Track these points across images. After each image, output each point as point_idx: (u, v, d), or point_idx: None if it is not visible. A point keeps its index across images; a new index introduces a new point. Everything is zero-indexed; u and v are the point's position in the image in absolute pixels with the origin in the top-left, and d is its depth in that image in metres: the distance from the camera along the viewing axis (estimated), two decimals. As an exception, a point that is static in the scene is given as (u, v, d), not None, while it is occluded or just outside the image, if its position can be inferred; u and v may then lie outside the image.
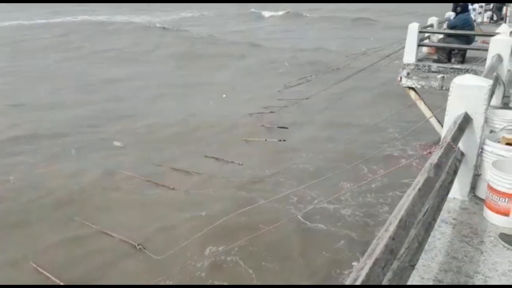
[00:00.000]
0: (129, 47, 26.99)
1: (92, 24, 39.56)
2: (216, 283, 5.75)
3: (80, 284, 5.72)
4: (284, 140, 10.51)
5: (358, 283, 1.26)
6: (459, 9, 9.30)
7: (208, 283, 5.71)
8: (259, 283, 5.73)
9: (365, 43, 23.02)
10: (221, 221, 4.89)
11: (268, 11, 54.30)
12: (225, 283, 5.76)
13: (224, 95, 15.75)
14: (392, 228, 1.54)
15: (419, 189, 1.87)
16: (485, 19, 17.34)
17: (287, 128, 11.70)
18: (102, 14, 55.42)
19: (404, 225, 1.60)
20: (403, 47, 9.25)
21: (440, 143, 2.49)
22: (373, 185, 9.11)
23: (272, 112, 12.62)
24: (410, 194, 1.81)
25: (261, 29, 38.34)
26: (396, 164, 3.36)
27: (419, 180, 1.97)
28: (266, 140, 10.66)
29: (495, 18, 17.79)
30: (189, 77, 18.36)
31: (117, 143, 10.90)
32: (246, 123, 12.29)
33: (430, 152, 2.41)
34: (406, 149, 10.70)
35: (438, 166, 2.15)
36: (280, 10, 54.06)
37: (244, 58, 22.42)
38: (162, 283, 5.52)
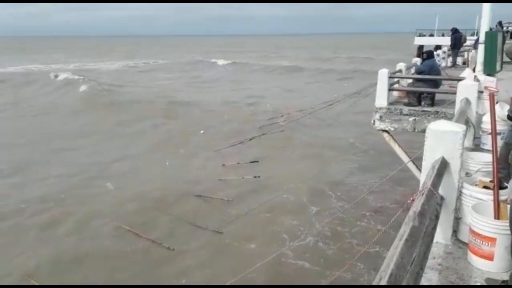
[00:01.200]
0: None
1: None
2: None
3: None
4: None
5: None
6: (425, 55, 9.76)
7: None
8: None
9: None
10: None
11: (222, 60, 55.93)
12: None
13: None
14: (383, 282, 1.48)
15: (406, 240, 1.84)
16: (449, 64, 18.25)
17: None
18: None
19: (395, 279, 1.55)
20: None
21: (421, 189, 2.50)
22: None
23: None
24: (397, 246, 1.77)
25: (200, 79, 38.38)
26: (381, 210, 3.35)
27: (405, 230, 1.94)
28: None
29: (459, 62, 18.76)
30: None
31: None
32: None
33: (413, 200, 2.40)
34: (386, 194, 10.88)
35: (422, 214, 2.14)
36: (229, 59, 56.03)
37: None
38: None
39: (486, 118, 5.41)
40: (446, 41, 22.99)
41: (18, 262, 7.99)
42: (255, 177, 12.01)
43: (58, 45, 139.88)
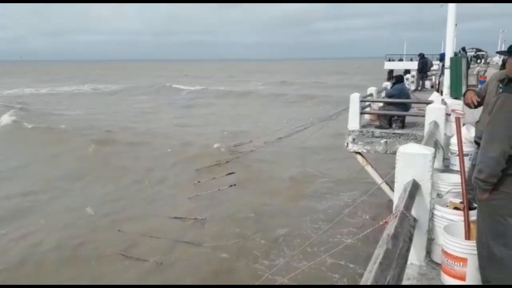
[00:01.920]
0: None
1: None
2: None
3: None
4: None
5: None
6: (394, 80, 10.08)
7: None
8: None
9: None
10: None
11: (186, 86, 54.63)
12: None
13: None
14: (358, 309, 1.48)
15: (380, 263, 1.85)
16: (418, 87, 18.89)
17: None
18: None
19: (370, 305, 1.55)
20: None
21: (394, 212, 2.54)
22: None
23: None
24: (371, 270, 1.78)
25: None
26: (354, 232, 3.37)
27: (379, 253, 1.96)
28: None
29: (427, 86, 19.46)
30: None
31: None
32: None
33: (386, 222, 2.43)
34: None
35: (395, 237, 2.17)
36: (197, 85, 55.08)
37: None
38: None
39: (454, 140, 5.58)
40: (414, 65, 23.86)
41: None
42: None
43: (19, 69, 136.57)
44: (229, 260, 8.80)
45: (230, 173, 13.54)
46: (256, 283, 7.02)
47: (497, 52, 5.15)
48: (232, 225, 10.38)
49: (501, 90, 2.63)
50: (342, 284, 7.66)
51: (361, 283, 1.70)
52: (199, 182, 13.31)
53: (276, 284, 6.82)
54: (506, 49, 2.96)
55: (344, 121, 9.96)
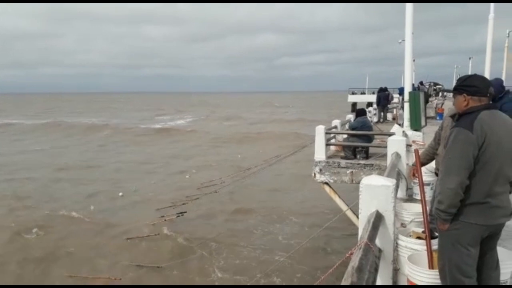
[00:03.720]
0: None
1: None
2: None
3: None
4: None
5: None
6: (356, 113, 10.40)
7: None
8: None
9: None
10: None
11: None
12: None
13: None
14: None
15: (345, 297, 1.85)
16: (381, 120, 19.55)
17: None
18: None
19: None
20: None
21: (358, 244, 2.56)
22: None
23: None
24: (337, 304, 1.77)
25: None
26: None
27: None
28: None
29: (389, 118, 20.17)
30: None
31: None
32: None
33: (351, 253, 2.45)
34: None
35: (359, 269, 2.18)
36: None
37: None
38: None
39: (416, 170, 5.77)
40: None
41: None
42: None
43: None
44: None
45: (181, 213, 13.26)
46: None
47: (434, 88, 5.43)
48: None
49: (453, 125, 2.77)
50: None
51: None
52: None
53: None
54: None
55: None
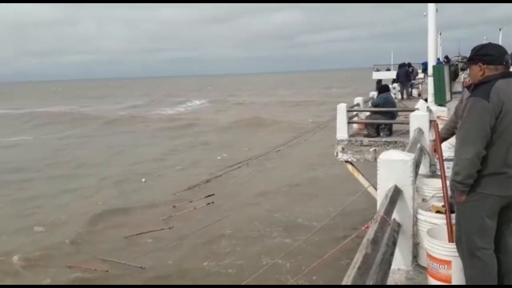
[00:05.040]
0: None
1: None
2: None
3: None
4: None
5: None
6: (379, 90, 10.23)
7: None
8: None
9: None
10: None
11: None
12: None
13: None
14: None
15: (359, 268, 1.88)
16: (405, 96, 19.13)
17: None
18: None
19: (347, 308, 1.58)
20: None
21: (375, 217, 2.58)
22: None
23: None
24: (350, 275, 1.81)
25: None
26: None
27: (358, 257, 1.99)
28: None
29: (414, 94, 19.71)
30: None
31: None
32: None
33: (367, 227, 2.47)
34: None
35: (374, 241, 2.20)
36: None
37: None
38: None
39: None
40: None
41: None
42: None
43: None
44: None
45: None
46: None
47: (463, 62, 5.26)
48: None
49: (469, 95, 2.71)
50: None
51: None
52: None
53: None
54: None
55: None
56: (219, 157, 20.85)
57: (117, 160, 22.40)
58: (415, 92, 20.02)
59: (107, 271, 9.43)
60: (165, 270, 9.66)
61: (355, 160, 9.64)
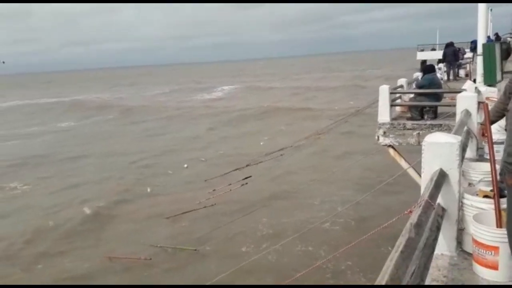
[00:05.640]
0: None
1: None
2: None
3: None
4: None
5: None
6: (424, 70, 9.84)
7: None
8: None
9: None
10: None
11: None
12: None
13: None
14: (377, 295, 1.51)
15: (402, 251, 1.87)
16: (451, 77, 18.33)
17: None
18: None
19: (389, 291, 1.58)
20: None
21: (419, 201, 2.53)
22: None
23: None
24: (392, 258, 1.80)
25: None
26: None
27: (401, 241, 1.97)
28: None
29: (461, 74, 18.84)
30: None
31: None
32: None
33: (410, 211, 2.43)
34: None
35: (418, 225, 2.17)
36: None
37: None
38: None
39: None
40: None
41: None
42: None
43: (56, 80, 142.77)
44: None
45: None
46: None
47: None
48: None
49: None
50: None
51: (382, 272, 1.73)
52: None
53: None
54: None
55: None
56: (262, 143, 20.96)
57: (157, 145, 23.15)
58: (462, 72, 19.14)
59: (150, 259, 9.53)
60: (217, 249, 9.98)
61: (397, 144, 9.40)
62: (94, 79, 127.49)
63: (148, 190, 15.02)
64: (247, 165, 14.73)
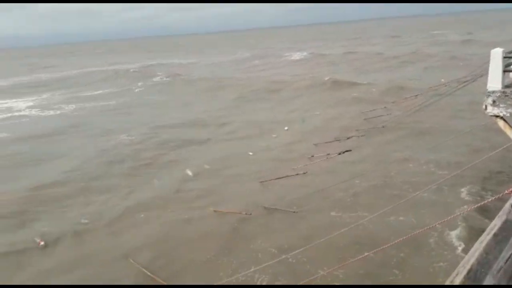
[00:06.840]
0: None
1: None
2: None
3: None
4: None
5: None
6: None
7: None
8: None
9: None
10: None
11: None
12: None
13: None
14: (458, 280, 1.37)
15: (495, 234, 1.70)
16: None
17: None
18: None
19: (474, 276, 1.43)
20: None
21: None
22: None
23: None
24: (483, 241, 1.64)
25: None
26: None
27: (496, 223, 1.79)
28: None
29: None
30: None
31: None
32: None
33: (511, 191, 2.16)
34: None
35: (519, 207, 1.91)
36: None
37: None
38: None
39: None
40: None
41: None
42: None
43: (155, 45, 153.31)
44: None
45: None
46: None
47: None
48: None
49: None
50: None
51: (468, 254, 1.56)
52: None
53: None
54: None
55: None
56: (364, 118, 20.45)
57: (254, 112, 24.36)
58: None
59: (251, 214, 10.79)
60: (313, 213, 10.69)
61: (508, 115, 8.42)
62: (179, 45, 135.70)
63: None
64: (348, 138, 14.75)
